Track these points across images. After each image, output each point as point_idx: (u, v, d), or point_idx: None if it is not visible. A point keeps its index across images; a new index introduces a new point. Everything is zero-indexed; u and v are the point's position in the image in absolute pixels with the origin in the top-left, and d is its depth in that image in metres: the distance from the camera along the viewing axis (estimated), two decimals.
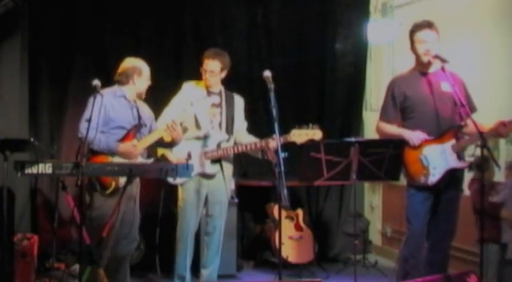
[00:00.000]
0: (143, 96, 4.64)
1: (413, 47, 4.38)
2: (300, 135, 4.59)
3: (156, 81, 4.96)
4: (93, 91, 4.07)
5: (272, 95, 3.99)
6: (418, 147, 4.32)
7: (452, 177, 4.35)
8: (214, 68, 4.82)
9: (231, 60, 5.69)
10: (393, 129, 4.48)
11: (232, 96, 5.01)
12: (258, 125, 5.99)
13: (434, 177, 4.30)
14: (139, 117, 4.55)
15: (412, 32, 4.36)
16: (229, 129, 4.91)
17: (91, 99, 4.25)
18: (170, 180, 4.80)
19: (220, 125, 4.88)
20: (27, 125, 5.63)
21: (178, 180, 4.78)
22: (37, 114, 5.79)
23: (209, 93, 4.88)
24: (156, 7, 6.10)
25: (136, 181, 4.47)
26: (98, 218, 4.26)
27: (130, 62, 4.57)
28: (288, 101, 6.28)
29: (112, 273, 4.45)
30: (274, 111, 4.02)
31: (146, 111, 4.68)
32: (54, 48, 5.89)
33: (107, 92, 4.43)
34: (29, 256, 4.95)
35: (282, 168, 3.90)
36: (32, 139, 4.55)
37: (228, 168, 4.94)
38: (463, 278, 3.93)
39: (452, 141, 4.31)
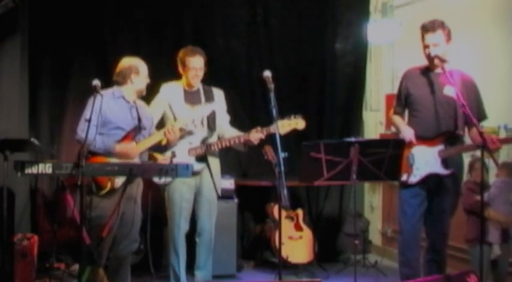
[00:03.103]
0: (144, 93, 4.62)
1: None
2: (283, 126, 4.58)
3: (156, 81, 4.96)
4: (93, 91, 4.07)
5: (272, 95, 3.99)
6: (410, 145, 4.36)
7: (441, 182, 4.37)
8: (201, 64, 4.80)
9: (231, 60, 5.70)
10: (397, 121, 4.59)
11: (211, 90, 4.96)
12: (258, 125, 5.99)
13: (415, 177, 4.36)
14: (139, 119, 4.53)
15: (421, 33, 4.39)
16: (212, 126, 4.88)
17: (90, 100, 4.26)
18: (156, 179, 4.77)
19: (202, 122, 4.84)
20: (27, 125, 5.63)
21: (164, 180, 4.74)
22: (37, 114, 5.80)
23: (187, 92, 4.86)
24: (156, 7, 6.10)
25: (137, 181, 4.47)
26: (95, 218, 4.25)
27: (127, 62, 4.56)
28: (288, 101, 6.28)
29: (112, 274, 4.45)
30: (274, 111, 4.03)
31: (147, 111, 4.67)
32: (54, 48, 5.89)
33: (105, 93, 4.40)
34: (29, 256, 4.95)
35: (282, 168, 3.90)
36: (32, 139, 4.55)
37: (215, 164, 4.90)
38: (463, 278, 3.93)
39: (441, 147, 4.33)
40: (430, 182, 4.37)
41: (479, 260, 4.48)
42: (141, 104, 4.66)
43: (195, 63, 4.78)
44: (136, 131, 4.48)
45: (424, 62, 4.49)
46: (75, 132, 4.42)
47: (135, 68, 4.51)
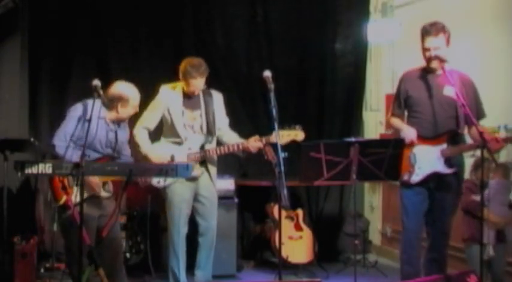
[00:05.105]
0: (126, 121, 4.50)
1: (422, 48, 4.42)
2: (282, 136, 4.57)
3: (156, 81, 4.96)
4: (93, 91, 4.06)
5: (272, 95, 3.99)
6: (412, 144, 4.36)
7: (443, 181, 4.37)
8: (203, 83, 4.79)
9: (231, 60, 5.65)
10: (396, 123, 4.59)
11: (211, 93, 4.94)
12: (258, 125, 6.00)
13: (417, 176, 4.37)
14: (115, 146, 4.37)
15: (421, 35, 4.39)
16: (211, 131, 4.87)
17: (71, 109, 4.25)
18: (154, 183, 4.78)
19: (201, 127, 4.85)
20: (27, 125, 5.63)
21: (163, 183, 4.77)
22: (37, 114, 5.79)
23: (186, 96, 4.83)
24: (156, 7, 6.10)
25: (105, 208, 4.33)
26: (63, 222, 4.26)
27: (118, 90, 4.34)
28: (288, 101, 6.28)
29: (109, 278, 4.38)
30: (274, 111, 4.03)
31: (125, 133, 4.53)
32: (54, 48, 5.89)
33: (88, 104, 4.23)
34: (29, 256, 4.95)
35: (282, 168, 3.90)
36: (32, 139, 4.55)
37: (213, 169, 4.94)
38: (463, 278, 3.93)
39: (443, 146, 4.35)
40: (432, 181, 4.38)
41: (474, 259, 4.50)
42: (123, 126, 4.50)
43: (198, 85, 4.76)
44: (109, 160, 4.29)
45: (422, 63, 4.50)
46: (49, 142, 4.25)
47: (125, 99, 4.31)
